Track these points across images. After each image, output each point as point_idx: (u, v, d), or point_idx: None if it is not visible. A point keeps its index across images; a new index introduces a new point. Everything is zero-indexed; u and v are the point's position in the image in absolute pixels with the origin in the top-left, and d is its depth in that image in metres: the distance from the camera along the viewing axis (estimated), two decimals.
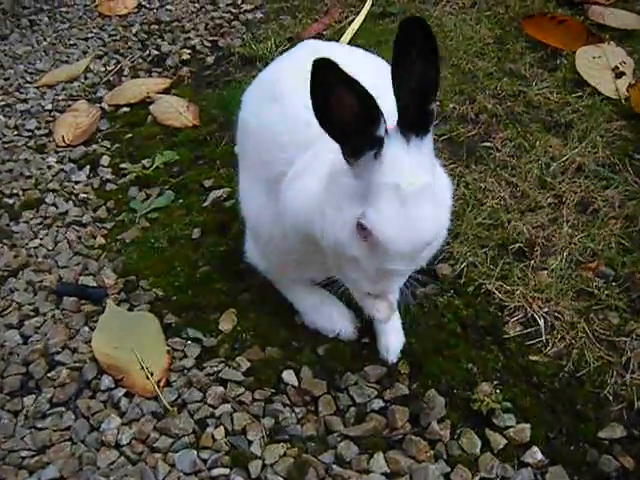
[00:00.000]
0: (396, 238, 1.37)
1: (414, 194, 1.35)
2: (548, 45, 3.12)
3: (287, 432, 1.76)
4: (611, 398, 1.76)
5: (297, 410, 1.81)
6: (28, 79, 3.47)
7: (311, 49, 1.88)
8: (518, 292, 2.02)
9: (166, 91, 3.21)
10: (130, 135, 2.96)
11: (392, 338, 1.92)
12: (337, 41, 3.22)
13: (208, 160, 2.72)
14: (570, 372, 1.83)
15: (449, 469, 1.65)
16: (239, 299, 2.12)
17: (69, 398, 1.89)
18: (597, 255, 2.12)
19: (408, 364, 1.89)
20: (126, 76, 3.39)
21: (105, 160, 2.81)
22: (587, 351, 1.86)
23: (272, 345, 1.98)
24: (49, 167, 2.81)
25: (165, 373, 1.92)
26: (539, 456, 1.65)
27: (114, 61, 3.53)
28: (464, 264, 2.13)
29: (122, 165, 2.78)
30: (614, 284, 2.03)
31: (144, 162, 2.77)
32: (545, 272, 2.08)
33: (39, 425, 1.82)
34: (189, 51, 3.50)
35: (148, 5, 4.05)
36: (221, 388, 1.87)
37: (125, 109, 3.14)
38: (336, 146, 1.39)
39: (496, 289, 2.04)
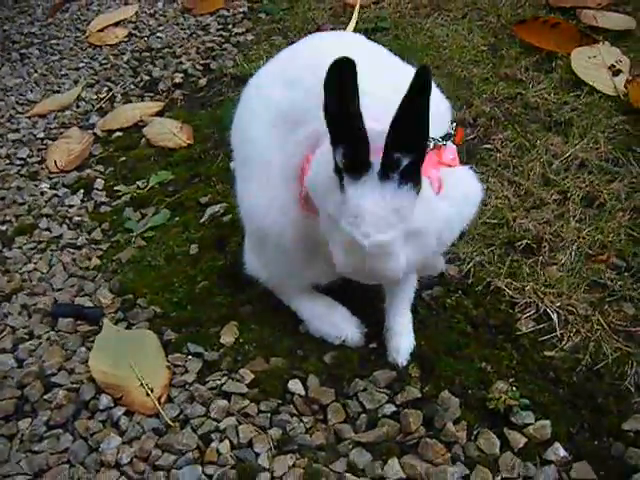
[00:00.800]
0: (349, 273, 1.47)
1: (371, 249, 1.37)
2: (542, 49, 3.09)
3: (296, 442, 1.67)
4: (632, 389, 1.69)
5: (305, 420, 1.73)
6: (19, 110, 3.44)
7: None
8: (528, 288, 1.95)
9: (159, 114, 3.18)
10: (124, 158, 2.92)
11: (402, 340, 1.85)
12: None
13: (204, 178, 2.68)
14: (588, 365, 1.75)
15: (468, 471, 1.57)
16: (240, 311, 2.05)
17: (66, 420, 1.80)
18: (607, 247, 2.06)
19: (419, 367, 1.82)
20: (118, 102, 3.37)
21: (99, 183, 2.77)
22: (604, 343, 1.79)
23: (276, 355, 1.90)
24: (42, 193, 2.76)
25: (166, 389, 1.85)
26: (562, 453, 1.57)
27: (106, 89, 3.50)
28: (471, 264, 2.07)
29: (116, 187, 2.73)
30: (626, 274, 1.97)
31: (139, 183, 2.72)
32: (555, 267, 2.02)
33: (35, 448, 1.74)
34: (181, 75, 3.48)
35: (138, 34, 4.04)
36: (225, 401, 1.79)
37: (118, 133, 3.10)
38: None
39: (505, 286, 1.98)
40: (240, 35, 3.80)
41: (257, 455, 1.65)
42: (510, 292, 1.96)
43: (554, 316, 1.87)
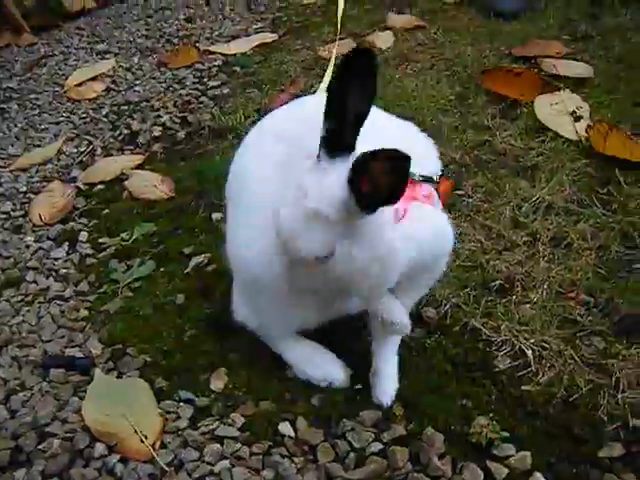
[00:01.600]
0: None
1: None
2: (507, 97, 3.23)
3: None
4: (606, 418, 1.77)
5: (296, 460, 1.79)
6: (1, 164, 3.49)
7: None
8: (504, 327, 2.05)
9: (140, 167, 3.25)
10: (107, 211, 2.99)
11: (388, 382, 1.93)
12: None
13: (187, 229, 2.75)
14: (563, 397, 1.85)
15: None
16: (229, 358, 2.12)
17: (62, 469, 1.83)
18: (576, 285, 2.17)
19: (403, 406, 1.89)
20: (99, 156, 3.44)
21: (83, 236, 2.83)
22: (577, 376, 1.88)
23: (265, 399, 1.97)
24: (27, 246, 2.81)
25: (159, 435, 1.90)
26: None
27: (86, 142, 3.58)
28: (448, 305, 2.16)
29: (101, 240, 2.79)
30: (595, 310, 2.08)
31: (123, 235, 2.78)
32: (528, 305, 2.12)
33: None
34: (160, 128, 3.57)
35: (116, 88, 4.14)
36: (218, 445, 1.84)
37: (100, 186, 3.17)
38: None
39: (482, 325, 2.07)
40: (216, 88, 3.91)
41: None
42: (486, 331, 2.05)
43: (529, 352, 1.97)
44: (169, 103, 3.80)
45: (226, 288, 2.14)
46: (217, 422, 1.92)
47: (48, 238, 2.86)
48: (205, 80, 4.06)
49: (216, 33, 4.79)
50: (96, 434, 1.91)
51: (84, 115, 3.86)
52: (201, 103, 3.76)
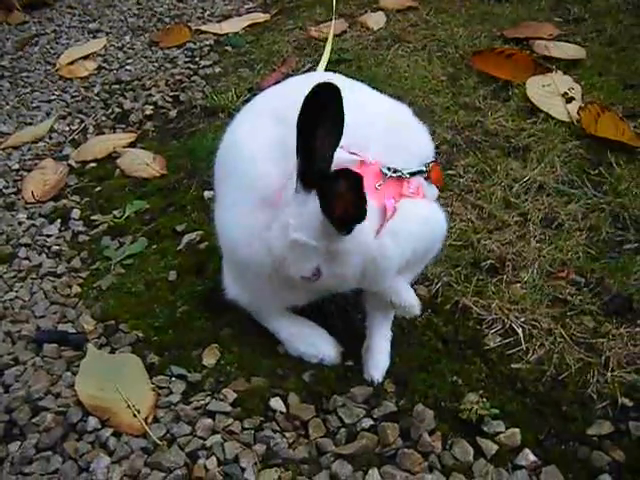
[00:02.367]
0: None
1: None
2: (499, 78, 3.24)
3: (280, 457, 1.75)
4: (595, 397, 1.80)
5: (288, 435, 1.81)
6: None
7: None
8: (494, 305, 2.07)
9: (132, 145, 3.25)
10: (99, 188, 2.98)
11: (381, 359, 1.94)
12: None
13: (179, 207, 2.75)
14: (553, 376, 1.87)
15: (444, 478, 1.66)
16: (221, 334, 2.13)
17: (55, 442, 1.85)
18: (566, 265, 2.19)
19: (394, 382, 1.92)
20: (91, 134, 3.43)
21: (75, 213, 2.83)
22: (567, 354, 1.90)
23: (257, 375, 1.98)
24: (20, 223, 2.81)
25: (152, 410, 1.91)
26: (532, 458, 1.67)
27: (78, 120, 3.57)
28: (439, 284, 2.18)
29: (93, 217, 2.79)
30: (585, 290, 2.10)
31: (115, 212, 2.79)
32: (518, 285, 2.14)
33: (26, 470, 1.78)
34: (151, 107, 3.56)
35: (108, 66, 4.12)
36: (209, 420, 1.86)
37: (92, 164, 3.17)
38: None
39: (473, 304, 2.09)
40: (207, 67, 3.90)
41: (243, 470, 1.72)
42: (477, 310, 2.07)
43: (519, 331, 1.99)
44: (161, 82, 3.79)
45: (218, 265, 2.14)
46: (209, 397, 1.93)
47: (40, 215, 2.86)
48: (197, 59, 4.05)
49: (208, 13, 4.77)
50: (89, 408, 1.93)
51: (76, 93, 3.85)
52: (193, 82, 3.75)
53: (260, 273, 1.84)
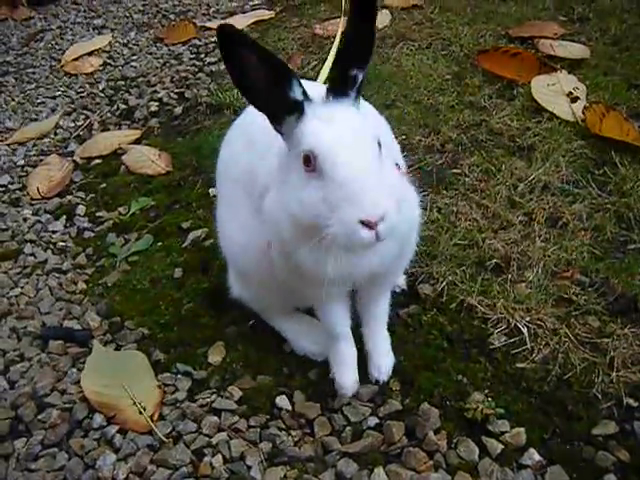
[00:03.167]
0: (335, 139, 1.40)
1: (337, 116, 1.42)
2: (504, 77, 3.24)
3: (285, 454, 1.76)
4: (600, 396, 1.81)
5: (293, 433, 1.82)
6: None
7: None
8: (499, 304, 2.07)
9: (137, 142, 3.27)
10: (104, 185, 2.99)
11: (383, 359, 1.94)
12: None
13: (184, 204, 2.76)
14: (558, 375, 1.87)
15: (450, 477, 1.67)
16: (226, 332, 2.14)
17: (61, 439, 1.88)
18: (571, 264, 2.19)
19: (399, 381, 1.92)
20: (96, 130, 3.44)
21: (81, 210, 2.84)
22: (572, 354, 1.91)
23: (263, 373, 1.99)
24: (25, 219, 2.82)
25: (158, 407, 1.92)
26: (537, 457, 1.68)
27: (83, 117, 3.58)
28: (444, 283, 2.18)
29: (98, 213, 2.81)
30: (590, 290, 2.10)
31: (120, 209, 2.80)
32: (523, 284, 2.14)
33: (32, 467, 1.80)
34: (157, 103, 3.57)
35: (113, 63, 4.13)
36: (215, 418, 1.87)
37: (97, 161, 3.18)
38: None
39: (478, 303, 2.09)
40: (213, 64, 3.91)
41: (249, 468, 1.73)
42: (482, 309, 2.08)
43: (524, 330, 1.99)
44: (166, 79, 3.79)
45: (223, 263, 2.15)
46: (215, 395, 1.94)
47: (46, 211, 2.87)
48: (202, 56, 4.05)
49: (213, 9, 4.77)
50: (95, 405, 1.94)
51: (81, 90, 3.86)
52: (198, 79, 3.75)
53: (262, 282, 1.86)
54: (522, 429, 1.75)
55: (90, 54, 4.26)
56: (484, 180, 2.60)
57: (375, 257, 1.53)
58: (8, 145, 3.40)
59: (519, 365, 1.92)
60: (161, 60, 4.07)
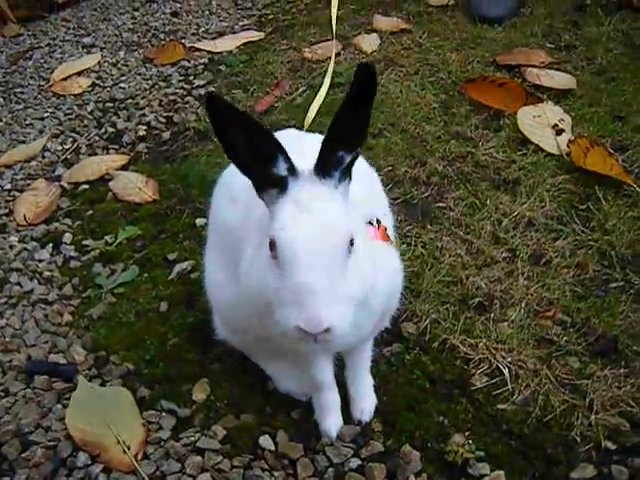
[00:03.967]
0: (297, 235, 1.37)
1: (312, 202, 1.40)
2: (491, 107, 3.27)
3: None
4: (579, 439, 1.84)
5: (276, 474, 1.83)
6: None
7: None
8: (481, 344, 2.10)
9: (124, 167, 3.26)
10: (91, 212, 2.99)
11: (365, 402, 1.96)
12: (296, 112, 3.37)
13: (170, 234, 2.77)
14: (538, 417, 1.90)
15: None
16: (211, 369, 2.16)
17: (45, 477, 1.87)
18: (553, 304, 2.22)
19: (381, 422, 1.94)
20: (83, 154, 3.44)
21: (67, 238, 2.84)
22: (552, 396, 1.94)
23: (246, 412, 2.01)
24: (11, 246, 2.82)
25: (142, 446, 1.93)
26: None
27: (71, 139, 3.57)
28: (427, 321, 2.21)
29: (85, 242, 2.80)
30: (571, 330, 2.13)
31: (107, 238, 2.80)
32: (505, 323, 2.17)
33: None
34: (145, 127, 3.57)
35: (102, 84, 4.12)
36: (199, 457, 1.88)
37: (85, 186, 3.17)
38: None
39: (460, 343, 2.12)
40: (201, 87, 3.91)
41: None
42: (464, 349, 2.10)
43: (505, 371, 2.02)
44: (154, 102, 3.79)
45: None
46: (198, 434, 1.96)
47: (32, 239, 2.86)
48: (191, 78, 4.05)
49: (202, 29, 4.78)
50: (79, 443, 1.95)
51: (69, 111, 3.85)
52: (186, 103, 3.76)
53: (246, 330, 1.86)
54: (502, 472, 1.78)
55: (79, 74, 4.25)
56: (469, 214, 2.63)
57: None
58: None
59: (500, 406, 1.94)
60: (150, 82, 4.07)
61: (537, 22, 4.14)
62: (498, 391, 1.99)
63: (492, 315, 2.20)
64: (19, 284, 2.62)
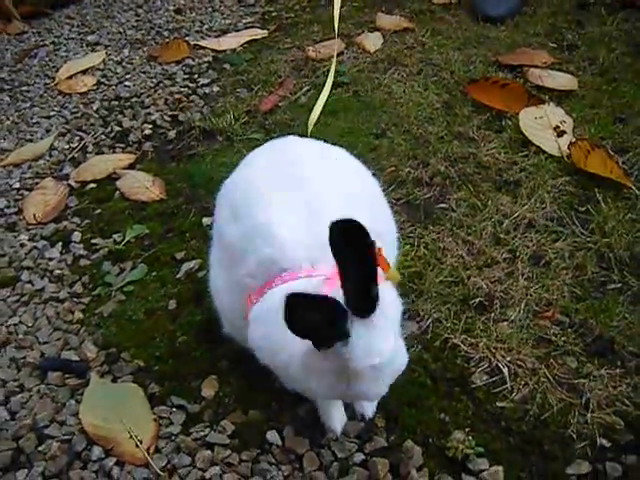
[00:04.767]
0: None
1: (384, 365, 1.46)
2: (493, 108, 3.32)
3: None
4: (575, 437, 1.90)
5: (283, 468, 1.90)
6: None
7: (272, 148, 1.98)
8: (482, 344, 2.16)
9: (131, 166, 3.31)
10: (99, 211, 3.05)
11: (367, 403, 2.01)
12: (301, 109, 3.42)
13: (178, 233, 2.83)
14: (535, 415, 1.96)
15: None
16: (219, 365, 2.22)
17: (61, 470, 1.94)
18: (552, 304, 2.28)
19: (384, 418, 2.01)
20: (90, 152, 3.48)
21: (76, 236, 2.89)
22: (549, 394, 2.00)
23: (254, 408, 2.07)
24: (22, 245, 2.87)
25: (154, 440, 2.00)
26: None
27: (77, 138, 3.62)
28: (429, 320, 2.27)
29: (93, 240, 2.86)
30: (570, 330, 2.19)
31: (115, 237, 2.85)
32: (505, 323, 2.23)
33: None
34: (150, 126, 3.61)
35: (107, 82, 4.17)
36: (209, 452, 1.95)
37: (92, 185, 3.23)
38: None
39: (461, 342, 2.18)
40: (206, 86, 3.96)
41: None
42: (465, 348, 2.16)
43: (505, 370, 2.08)
44: (159, 100, 3.84)
45: None
46: (208, 429, 2.02)
47: (42, 237, 2.92)
48: (195, 77, 4.10)
49: (206, 27, 4.81)
50: (93, 437, 2.02)
51: (75, 110, 3.90)
52: (192, 102, 3.81)
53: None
54: (500, 467, 1.84)
55: (84, 72, 4.29)
56: (470, 215, 2.68)
57: None
58: (3, 167, 3.44)
59: (499, 404, 2.01)
60: (155, 80, 4.11)
61: (540, 21, 4.18)
62: (497, 389, 2.05)
63: (492, 315, 2.26)
64: (30, 282, 2.68)
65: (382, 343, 1.46)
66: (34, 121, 3.85)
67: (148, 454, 1.96)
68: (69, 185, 3.25)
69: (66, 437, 2.03)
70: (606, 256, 2.44)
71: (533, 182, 2.80)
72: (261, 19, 4.86)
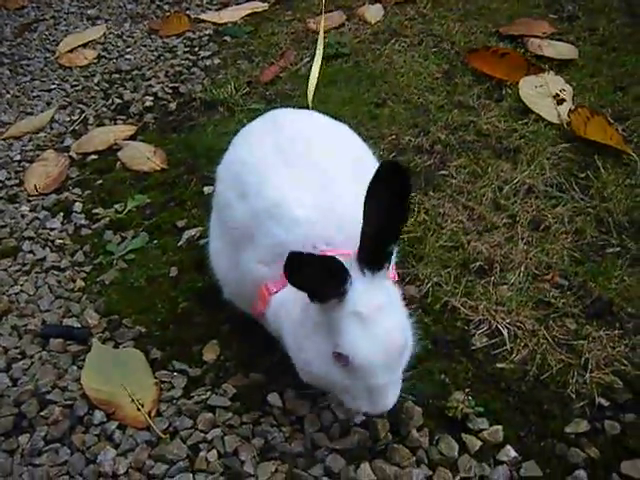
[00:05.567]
0: (370, 354, 1.52)
1: (374, 315, 1.51)
2: (493, 77, 3.31)
3: (277, 450, 1.86)
4: (574, 396, 1.91)
5: (284, 429, 1.92)
6: None
7: (273, 124, 1.99)
8: (482, 306, 2.17)
9: (132, 138, 3.32)
10: (100, 181, 3.06)
11: None
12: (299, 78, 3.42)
13: (179, 202, 2.84)
14: (535, 375, 1.98)
15: (431, 472, 1.77)
16: (220, 330, 2.23)
17: (63, 434, 1.96)
18: (551, 268, 2.28)
19: None
20: (91, 125, 3.49)
21: (78, 206, 2.90)
22: (549, 355, 2.01)
23: (255, 371, 2.09)
24: (23, 216, 2.89)
25: (155, 404, 2.01)
26: (512, 454, 1.79)
27: (78, 111, 3.62)
28: (429, 284, 2.28)
29: (95, 210, 2.87)
30: (569, 293, 2.20)
31: (116, 206, 2.87)
32: (505, 286, 2.24)
33: (36, 462, 1.89)
34: (151, 98, 3.62)
35: (108, 55, 4.17)
36: (210, 414, 1.97)
37: (93, 156, 3.23)
38: None
39: (461, 305, 2.19)
40: (207, 59, 3.95)
41: (242, 462, 1.83)
42: (465, 310, 2.17)
43: (504, 332, 2.09)
44: (160, 73, 3.84)
45: None
46: (209, 392, 2.04)
47: (43, 208, 2.93)
48: (196, 50, 4.10)
49: (206, 0, 4.79)
50: (95, 402, 2.03)
51: (75, 83, 3.90)
52: (192, 74, 3.80)
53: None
54: (500, 427, 1.85)
55: (84, 46, 4.30)
56: (471, 182, 2.68)
57: None
58: (4, 140, 3.45)
59: (499, 365, 2.02)
60: (155, 53, 4.11)
61: None
62: (497, 351, 2.06)
63: (492, 278, 2.27)
64: (32, 252, 2.69)
65: (378, 297, 1.49)
66: (35, 94, 3.86)
67: (150, 417, 1.97)
68: (70, 157, 3.26)
69: (68, 402, 2.04)
70: (605, 221, 2.44)
71: (533, 149, 2.79)
72: None
